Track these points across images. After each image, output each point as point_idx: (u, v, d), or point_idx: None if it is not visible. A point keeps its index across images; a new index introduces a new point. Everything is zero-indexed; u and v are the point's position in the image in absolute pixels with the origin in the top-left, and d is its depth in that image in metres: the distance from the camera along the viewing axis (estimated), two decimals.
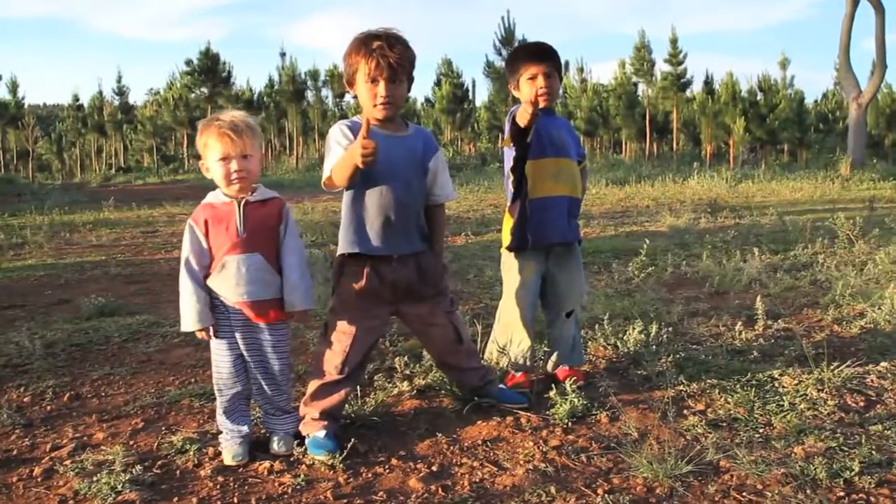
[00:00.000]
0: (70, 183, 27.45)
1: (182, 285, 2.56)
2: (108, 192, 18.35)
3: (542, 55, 3.19)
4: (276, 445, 2.62)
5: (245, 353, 2.61)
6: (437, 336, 2.93)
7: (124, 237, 9.52)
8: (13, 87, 31.63)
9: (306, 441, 2.64)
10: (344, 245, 2.72)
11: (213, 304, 2.58)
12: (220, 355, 2.62)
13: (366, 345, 2.77)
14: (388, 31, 2.66)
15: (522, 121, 2.91)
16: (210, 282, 2.58)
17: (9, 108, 31.07)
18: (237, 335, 2.59)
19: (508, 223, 3.22)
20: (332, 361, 2.71)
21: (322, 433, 2.63)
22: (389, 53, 2.58)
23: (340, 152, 2.59)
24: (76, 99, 39.33)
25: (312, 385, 2.73)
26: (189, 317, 2.54)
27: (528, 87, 3.15)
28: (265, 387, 2.65)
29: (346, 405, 2.85)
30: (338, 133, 2.67)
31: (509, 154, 3.16)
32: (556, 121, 3.31)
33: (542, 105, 3.14)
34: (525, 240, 3.16)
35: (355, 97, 2.78)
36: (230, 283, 2.55)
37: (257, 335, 2.61)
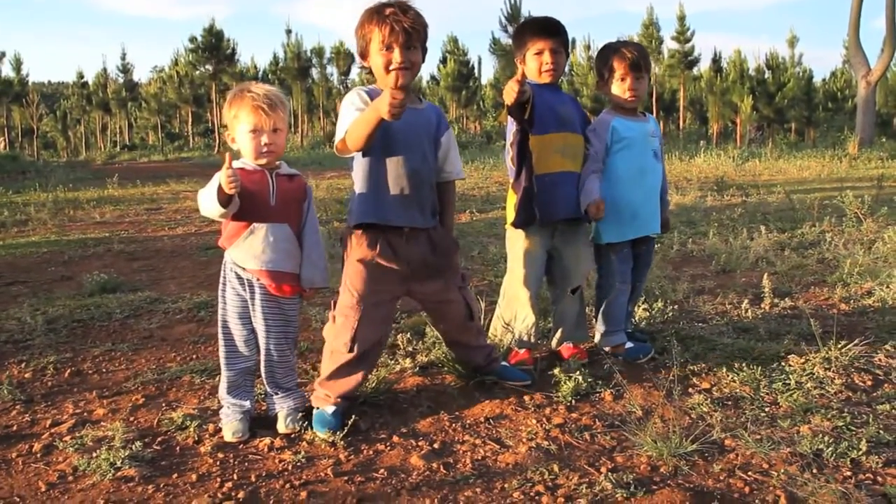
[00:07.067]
0: (75, 160, 27.46)
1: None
2: (112, 169, 18.32)
3: (550, 30, 3.13)
4: (285, 423, 2.60)
5: (260, 326, 2.59)
6: (450, 313, 2.89)
7: (128, 214, 9.50)
8: (17, 65, 31.60)
9: (314, 413, 2.62)
10: (357, 215, 2.65)
11: (231, 279, 2.58)
12: (234, 329, 2.60)
13: (375, 321, 2.70)
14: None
15: (508, 98, 2.84)
16: (232, 250, 2.56)
17: (13, 86, 31.00)
18: (256, 306, 2.57)
19: (513, 199, 3.16)
20: (341, 338, 2.67)
21: (331, 409, 2.62)
22: (403, 18, 2.55)
23: (357, 115, 2.52)
24: (81, 76, 39.26)
25: (328, 365, 2.70)
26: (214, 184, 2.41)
27: (535, 62, 3.11)
28: (274, 362, 2.63)
29: None
30: (355, 97, 2.61)
31: (510, 127, 3.10)
32: (562, 96, 3.25)
33: (546, 81, 3.11)
34: (532, 215, 3.10)
35: (369, 71, 2.72)
36: (255, 250, 2.53)
37: (275, 307, 2.59)
